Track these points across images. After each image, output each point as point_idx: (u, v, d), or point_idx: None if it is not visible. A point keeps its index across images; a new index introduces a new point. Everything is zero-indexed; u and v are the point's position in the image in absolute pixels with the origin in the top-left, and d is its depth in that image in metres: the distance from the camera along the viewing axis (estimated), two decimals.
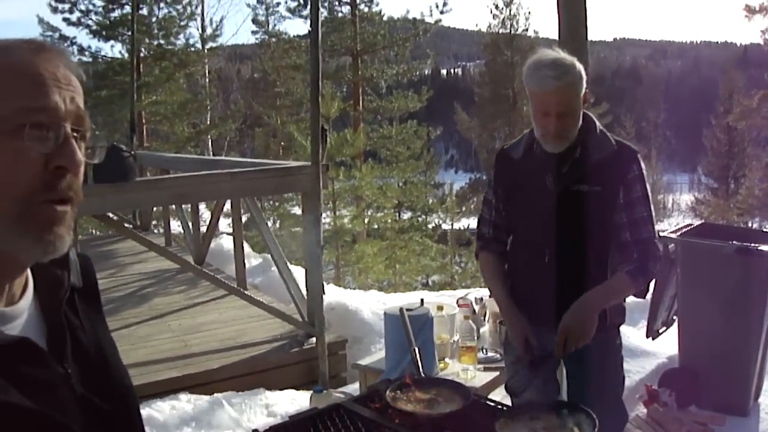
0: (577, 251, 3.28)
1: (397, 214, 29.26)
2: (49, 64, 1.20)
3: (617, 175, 3.24)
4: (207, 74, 33.69)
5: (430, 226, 29.36)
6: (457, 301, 5.63)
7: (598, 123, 3.37)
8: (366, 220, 23.97)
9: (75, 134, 1.21)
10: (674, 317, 6.26)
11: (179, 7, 29.69)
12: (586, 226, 3.25)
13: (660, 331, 6.37)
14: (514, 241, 3.55)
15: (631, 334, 7.07)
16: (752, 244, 5.70)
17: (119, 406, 1.38)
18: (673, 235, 6.01)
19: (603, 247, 3.31)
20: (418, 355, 3.33)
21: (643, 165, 3.33)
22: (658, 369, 6.42)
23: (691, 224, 6.68)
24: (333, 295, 8.30)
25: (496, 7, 43.03)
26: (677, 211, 59.15)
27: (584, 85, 3.21)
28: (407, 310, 4.16)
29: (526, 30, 43.19)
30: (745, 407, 5.92)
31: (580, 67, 3.19)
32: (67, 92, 1.21)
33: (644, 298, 3.43)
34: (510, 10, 42.92)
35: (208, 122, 32.25)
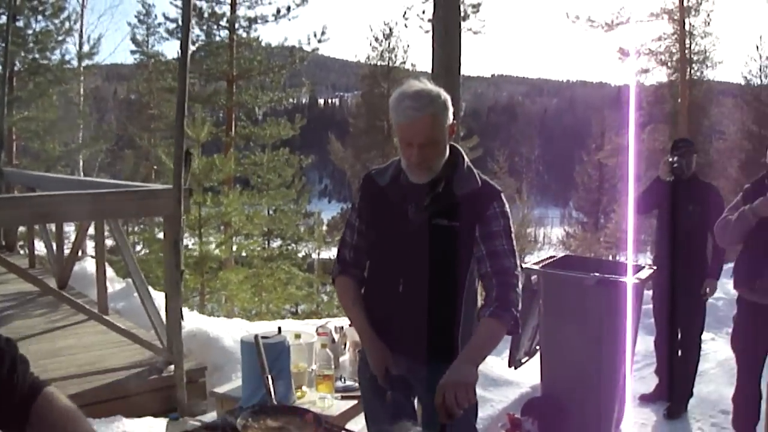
0: (431, 283, 3.25)
1: (267, 242, 29.13)
2: None
3: (476, 213, 3.22)
4: (82, 92, 33.04)
5: (300, 255, 29.24)
6: (317, 329, 5.60)
7: (466, 158, 3.35)
8: (234, 247, 23.74)
9: None
10: (537, 347, 6.34)
11: (57, 21, 28.99)
12: (442, 260, 3.24)
13: (523, 360, 6.46)
14: (371, 267, 3.52)
15: (495, 364, 7.16)
16: (613, 276, 5.83)
17: None
18: (536, 267, 6.11)
19: (458, 282, 3.30)
20: (271, 383, 3.28)
21: (506, 204, 3.31)
22: (521, 398, 6.52)
23: (554, 256, 6.80)
24: (195, 322, 8.17)
25: (376, 39, 43.45)
26: (548, 244, 60.46)
27: (450, 116, 3.18)
28: (263, 337, 4.10)
29: (404, 63, 43.63)
30: None
31: (445, 98, 3.16)
32: None
33: (518, 332, 3.42)
34: (389, 43, 43.37)
35: (80, 141, 31.61)
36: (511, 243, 3.27)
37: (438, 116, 3.12)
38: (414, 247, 3.26)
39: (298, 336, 5.03)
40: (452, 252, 3.24)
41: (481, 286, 3.35)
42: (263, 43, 32.06)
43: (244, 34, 31.79)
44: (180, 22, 32.32)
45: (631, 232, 7.30)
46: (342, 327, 5.87)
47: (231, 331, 8.11)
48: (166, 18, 33.65)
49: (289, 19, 31.74)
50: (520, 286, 3.26)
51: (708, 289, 6.96)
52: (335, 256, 3.71)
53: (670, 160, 6.85)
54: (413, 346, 3.30)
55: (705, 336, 7.52)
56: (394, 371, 3.29)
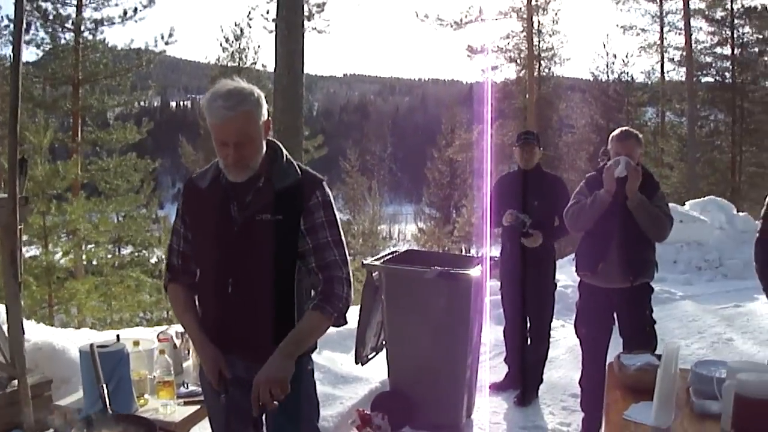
0: (261, 280, 3.25)
1: (117, 249, 28.51)
2: None
3: (299, 203, 3.24)
4: None
5: (152, 261, 28.63)
6: (158, 335, 5.49)
7: (285, 152, 3.36)
8: (84, 256, 23.17)
9: None
10: (383, 342, 6.37)
11: None
12: (270, 255, 3.24)
13: (369, 356, 6.48)
14: (201, 271, 3.48)
15: (343, 361, 7.17)
16: (454, 269, 5.90)
17: None
18: (377, 263, 6.13)
19: (288, 275, 3.30)
20: (106, 392, 3.22)
21: (328, 192, 3.33)
22: (370, 394, 6.55)
23: (396, 251, 6.85)
24: (41, 334, 7.91)
25: (226, 40, 43.00)
26: (402, 240, 61.22)
27: (264, 113, 3.19)
28: (100, 347, 4.03)
29: (255, 64, 43.29)
30: (457, 425, 6.18)
31: (258, 95, 3.16)
32: None
33: (344, 324, 3.40)
34: (239, 44, 42.96)
35: None
36: (336, 232, 3.30)
37: (251, 114, 3.12)
38: (240, 246, 3.25)
39: (137, 343, 4.93)
40: (279, 246, 3.24)
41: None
42: (110, 46, 31.38)
43: (90, 37, 31.00)
44: (23, 23, 31.39)
45: (487, 227, 7.38)
46: (184, 332, 5.78)
47: (78, 342, 7.90)
48: (11, 21, 32.68)
49: (136, 21, 31.08)
50: (350, 275, 3.30)
51: (532, 235, 7.00)
52: (164, 265, 3.67)
53: (520, 217, 6.92)
54: (248, 347, 3.30)
55: (555, 323, 7.68)
56: (228, 374, 3.26)
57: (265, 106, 3.19)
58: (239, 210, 3.25)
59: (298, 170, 3.32)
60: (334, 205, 3.34)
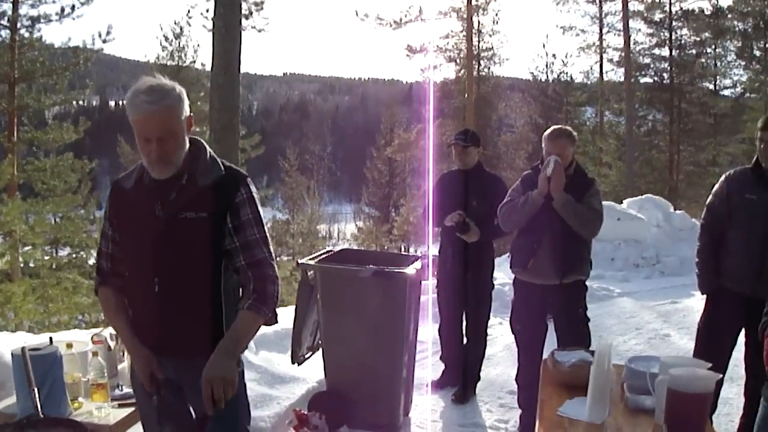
0: (187, 279, 3.26)
1: (54, 250, 28.13)
2: None
3: (224, 200, 3.24)
4: None
5: (90, 263, 28.17)
6: (92, 337, 5.43)
7: (208, 149, 3.37)
8: (20, 258, 22.83)
9: None
10: (319, 342, 6.37)
11: None
12: (195, 253, 3.25)
13: (306, 356, 6.46)
14: (129, 272, 3.46)
15: (279, 361, 7.14)
16: (389, 267, 5.92)
17: None
18: (311, 262, 6.13)
19: (215, 274, 3.30)
20: (37, 395, 3.19)
21: (253, 189, 3.35)
22: (308, 393, 6.53)
23: (331, 250, 6.84)
24: None
25: (166, 38, 42.60)
26: (342, 239, 61.46)
27: (186, 109, 3.20)
28: (32, 349, 3.99)
29: (194, 62, 42.93)
30: (395, 423, 6.20)
31: (180, 90, 3.18)
32: None
33: (275, 323, 3.40)
34: (179, 42, 42.59)
35: None
36: (263, 229, 3.32)
37: (173, 108, 3.13)
38: (164, 245, 3.23)
39: (70, 345, 4.87)
40: (204, 243, 3.24)
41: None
42: (47, 44, 30.77)
43: (27, 34, 30.37)
44: None
45: (429, 226, 7.38)
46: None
47: (14, 346, 7.77)
48: None
49: (74, 19, 30.51)
50: (277, 273, 3.31)
51: (470, 229, 6.94)
52: (95, 269, 3.66)
53: (467, 221, 6.90)
54: (177, 346, 3.30)
55: (492, 320, 7.68)
56: (160, 375, 3.26)
57: (187, 102, 3.20)
58: (163, 208, 3.24)
59: (222, 167, 3.32)
60: (258, 202, 3.35)
